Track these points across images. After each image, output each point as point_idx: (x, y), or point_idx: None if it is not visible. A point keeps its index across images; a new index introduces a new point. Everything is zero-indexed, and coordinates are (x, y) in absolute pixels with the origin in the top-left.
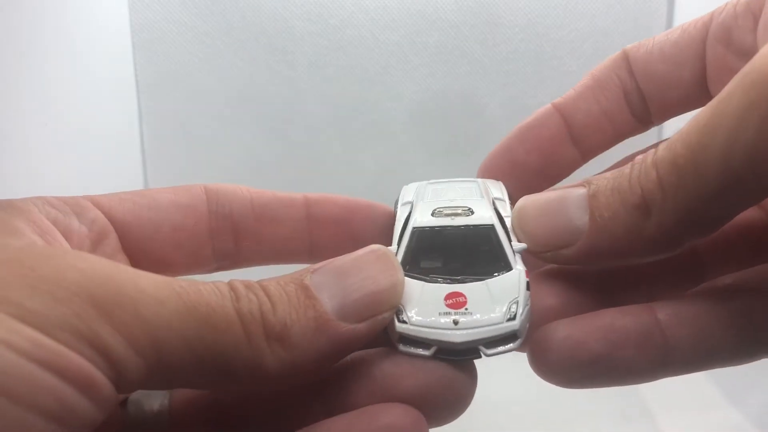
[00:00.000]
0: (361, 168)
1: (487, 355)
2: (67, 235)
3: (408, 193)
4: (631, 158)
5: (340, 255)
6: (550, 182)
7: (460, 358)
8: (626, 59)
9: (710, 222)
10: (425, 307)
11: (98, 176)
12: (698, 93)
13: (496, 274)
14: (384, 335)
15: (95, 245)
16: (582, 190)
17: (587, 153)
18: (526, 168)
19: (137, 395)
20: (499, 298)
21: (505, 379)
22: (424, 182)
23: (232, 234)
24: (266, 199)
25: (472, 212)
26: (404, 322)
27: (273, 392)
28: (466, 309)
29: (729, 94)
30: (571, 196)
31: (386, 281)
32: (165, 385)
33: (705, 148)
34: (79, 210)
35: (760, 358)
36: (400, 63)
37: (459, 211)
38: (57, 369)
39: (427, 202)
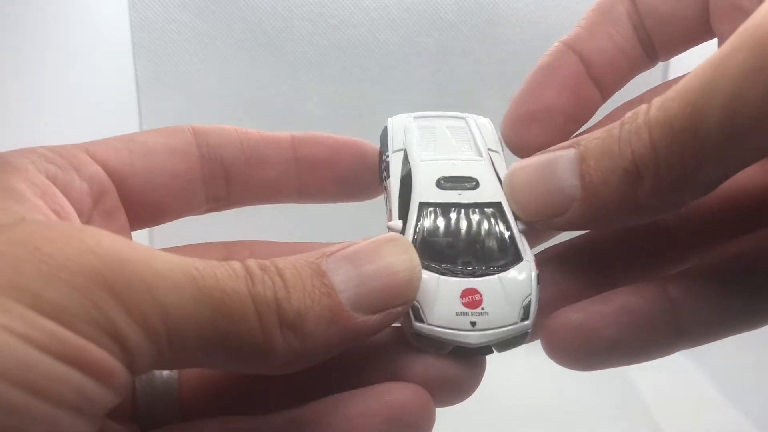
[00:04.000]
0: None
1: (498, 352)
2: (67, 193)
3: (397, 133)
4: (622, 112)
5: (328, 194)
6: (578, 125)
7: (472, 355)
8: None
9: (707, 184)
10: (442, 306)
11: None
12: (701, 30)
13: (507, 265)
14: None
15: (96, 202)
16: (571, 153)
17: (607, 91)
18: (561, 111)
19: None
20: (512, 296)
21: (504, 377)
22: (409, 117)
23: (223, 178)
24: (255, 141)
25: (478, 185)
26: (422, 321)
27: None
28: (482, 309)
29: (732, 51)
30: (560, 160)
31: (404, 274)
32: (174, 367)
33: (704, 108)
34: (77, 164)
35: None
36: (400, 63)
37: (464, 184)
38: (76, 362)
39: (425, 161)
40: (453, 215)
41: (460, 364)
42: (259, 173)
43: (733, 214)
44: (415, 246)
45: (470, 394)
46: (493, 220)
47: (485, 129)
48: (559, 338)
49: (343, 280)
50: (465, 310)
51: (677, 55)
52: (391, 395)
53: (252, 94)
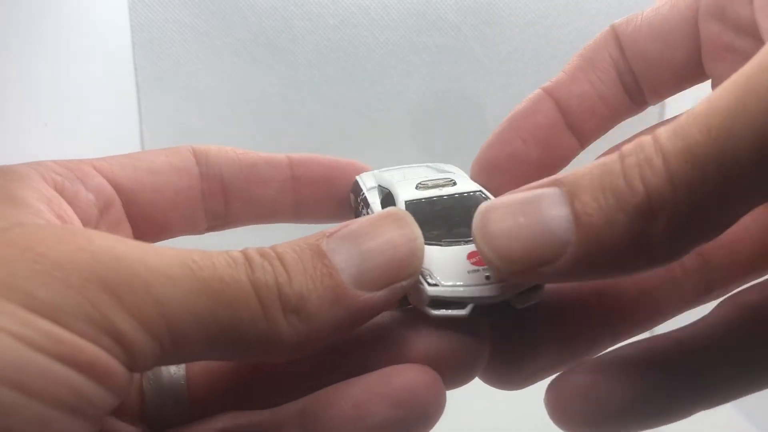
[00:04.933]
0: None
1: (518, 309)
2: (73, 203)
3: (368, 179)
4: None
5: (324, 214)
6: (549, 174)
7: (494, 315)
8: (616, 36)
9: (729, 219)
10: (452, 267)
11: None
12: (693, 72)
13: None
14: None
15: (102, 214)
16: (560, 197)
17: (585, 139)
18: (525, 160)
19: (155, 371)
20: None
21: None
22: (375, 171)
23: (222, 195)
24: (253, 160)
25: (455, 183)
26: (435, 285)
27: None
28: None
29: (761, 68)
30: (545, 198)
31: (405, 248)
32: (178, 362)
33: (732, 130)
34: (83, 176)
35: None
36: (400, 63)
37: (441, 183)
38: (73, 361)
39: (399, 182)
40: (437, 204)
41: (467, 341)
42: (257, 191)
43: (738, 251)
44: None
45: (477, 373)
46: (480, 198)
47: (448, 166)
48: (564, 404)
49: (344, 258)
50: (476, 267)
51: (666, 98)
52: (399, 378)
53: (252, 94)
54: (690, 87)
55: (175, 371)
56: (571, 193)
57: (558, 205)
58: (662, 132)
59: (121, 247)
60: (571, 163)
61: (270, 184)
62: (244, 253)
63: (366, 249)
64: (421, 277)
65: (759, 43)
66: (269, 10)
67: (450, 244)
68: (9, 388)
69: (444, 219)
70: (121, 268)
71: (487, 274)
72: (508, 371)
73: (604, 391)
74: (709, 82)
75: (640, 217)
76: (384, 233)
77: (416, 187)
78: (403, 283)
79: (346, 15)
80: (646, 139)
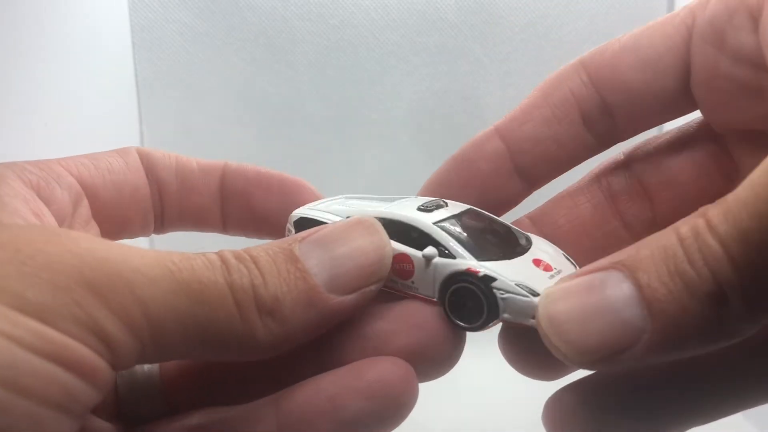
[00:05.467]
0: (361, 168)
1: None
2: (49, 201)
3: (323, 212)
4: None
5: (251, 228)
6: (493, 212)
7: None
8: (584, 70)
9: None
10: (536, 277)
11: None
12: (681, 101)
13: (526, 244)
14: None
15: (74, 211)
16: (626, 282)
17: (534, 183)
18: (465, 200)
19: (128, 371)
20: (559, 259)
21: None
22: (305, 208)
23: (159, 199)
24: (189, 168)
25: (446, 203)
26: (536, 294)
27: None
28: (556, 269)
29: None
30: (615, 290)
31: (374, 254)
32: (157, 360)
33: None
34: (56, 176)
35: None
36: (400, 63)
37: (439, 203)
38: (61, 360)
39: (396, 209)
40: (456, 221)
41: (443, 335)
42: (188, 199)
43: None
44: (464, 248)
45: (452, 367)
46: (484, 216)
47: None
48: (561, 422)
49: (316, 263)
50: (550, 272)
51: (643, 131)
52: (372, 370)
53: (252, 94)
54: (674, 118)
55: (148, 367)
56: (634, 277)
57: (624, 290)
58: (713, 217)
59: (106, 249)
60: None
61: (201, 193)
62: (221, 256)
63: (337, 254)
64: (520, 290)
65: (762, 73)
66: (269, 11)
67: (510, 256)
68: (2, 387)
69: (478, 234)
70: (106, 270)
71: (559, 275)
72: (546, 362)
73: (597, 409)
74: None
75: (713, 302)
76: (354, 239)
77: (419, 209)
78: (372, 287)
79: (346, 15)
80: (700, 224)
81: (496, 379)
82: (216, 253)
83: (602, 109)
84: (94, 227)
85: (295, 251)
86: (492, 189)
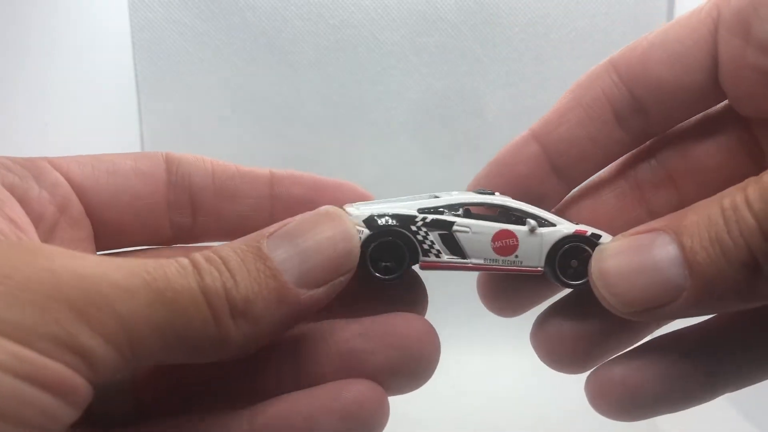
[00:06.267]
0: (361, 168)
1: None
2: (25, 202)
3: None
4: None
5: None
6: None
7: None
8: (614, 70)
9: None
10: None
11: None
12: (711, 93)
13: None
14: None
15: (62, 210)
16: (672, 244)
17: (572, 182)
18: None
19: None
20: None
21: (504, 378)
22: (360, 205)
23: (189, 207)
24: (229, 174)
25: (492, 192)
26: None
27: (241, 364)
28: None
29: None
30: (658, 247)
31: (343, 246)
32: (134, 368)
33: None
34: (38, 173)
35: None
36: (400, 63)
37: (487, 191)
38: (39, 381)
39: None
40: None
41: (419, 351)
42: (228, 206)
43: None
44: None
45: (426, 381)
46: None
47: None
48: (603, 394)
49: (285, 259)
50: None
51: (676, 125)
52: (347, 393)
53: (252, 94)
54: (704, 110)
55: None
56: (682, 243)
57: (669, 251)
58: (751, 194)
59: (81, 265)
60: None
61: (244, 200)
62: (192, 260)
63: (305, 248)
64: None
65: None
66: (269, 11)
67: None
68: None
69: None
70: (83, 286)
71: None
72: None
73: (639, 380)
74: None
75: (745, 270)
76: (322, 231)
77: (479, 193)
78: (342, 278)
79: (346, 15)
80: (739, 199)
81: (496, 380)
82: (187, 257)
83: (634, 107)
84: (87, 227)
85: (263, 249)
86: (532, 190)
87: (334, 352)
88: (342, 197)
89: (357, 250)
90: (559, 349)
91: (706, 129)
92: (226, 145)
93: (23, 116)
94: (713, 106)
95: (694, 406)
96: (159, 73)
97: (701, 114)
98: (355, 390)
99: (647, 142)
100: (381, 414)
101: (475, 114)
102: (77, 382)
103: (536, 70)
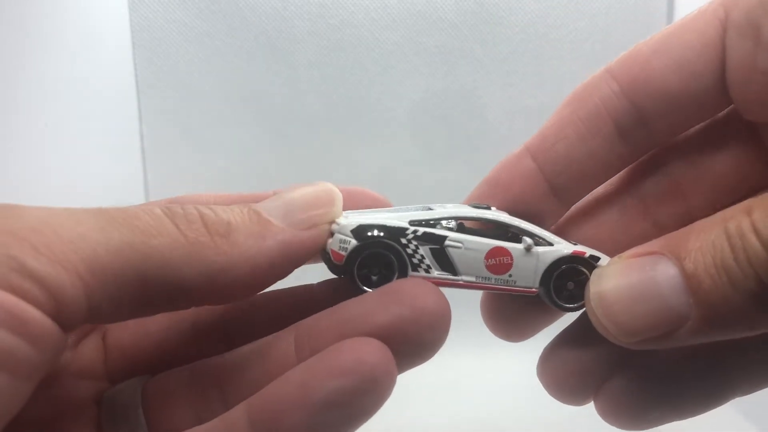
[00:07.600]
0: (361, 168)
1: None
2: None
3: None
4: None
5: None
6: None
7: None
8: (613, 79)
9: None
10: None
11: (98, 175)
12: (719, 100)
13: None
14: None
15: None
16: (673, 270)
17: (572, 200)
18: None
19: (110, 393)
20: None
21: (504, 379)
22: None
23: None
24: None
25: (488, 206)
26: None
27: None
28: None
29: None
30: (663, 278)
31: (326, 195)
32: (113, 311)
33: None
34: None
35: None
36: (400, 63)
37: (482, 205)
38: None
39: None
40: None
41: (423, 311)
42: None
43: None
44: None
45: (437, 349)
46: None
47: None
48: (612, 405)
49: (269, 207)
50: None
51: (682, 133)
52: (343, 351)
53: (252, 94)
54: (710, 117)
55: (130, 391)
56: (686, 271)
57: (677, 282)
58: (758, 220)
59: (24, 206)
60: None
61: None
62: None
63: (289, 198)
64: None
65: None
66: (270, 11)
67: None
68: None
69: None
70: (25, 216)
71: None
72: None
73: (648, 393)
74: None
75: (754, 300)
76: (306, 188)
77: (475, 208)
78: (325, 227)
79: (346, 15)
80: (745, 225)
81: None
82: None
83: (636, 118)
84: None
85: (251, 206)
86: (528, 209)
87: (335, 318)
88: (355, 205)
89: (339, 200)
90: (566, 384)
91: (712, 135)
92: (226, 145)
93: (23, 116)
94: (719, 112)
95: (704, 412)
96: (159, 73)
97: (707, 121)
98: (350, 347)
99: (648, 153)
100: (384, 371)
101: (475, 114)
102: (33, 314)
103: (536, 70)
